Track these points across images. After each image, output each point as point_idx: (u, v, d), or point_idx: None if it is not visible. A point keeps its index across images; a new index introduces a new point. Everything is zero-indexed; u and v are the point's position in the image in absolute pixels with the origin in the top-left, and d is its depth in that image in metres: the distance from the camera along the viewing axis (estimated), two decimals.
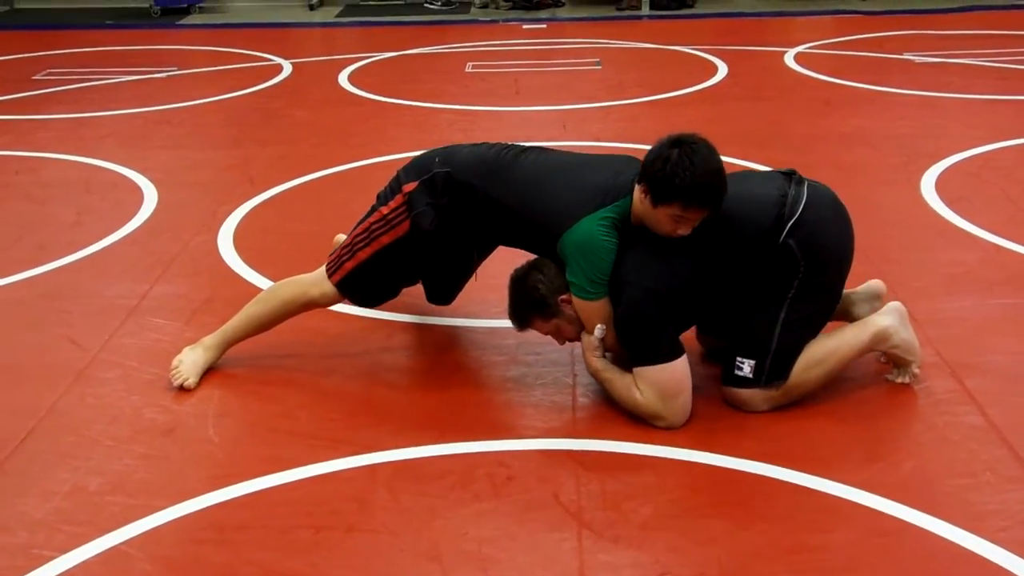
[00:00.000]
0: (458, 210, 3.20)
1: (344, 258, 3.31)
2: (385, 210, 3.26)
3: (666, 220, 2.92)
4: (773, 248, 2.96)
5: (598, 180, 3.05)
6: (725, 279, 3.02)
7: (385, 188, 3.33)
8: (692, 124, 5.81)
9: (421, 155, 3.37)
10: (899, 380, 3.18)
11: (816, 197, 3.03)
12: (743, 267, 3.01)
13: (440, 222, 3.21)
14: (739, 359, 3.03)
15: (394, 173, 3.36)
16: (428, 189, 3.21)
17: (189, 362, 3.31)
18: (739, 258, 2.99)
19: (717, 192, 2.88)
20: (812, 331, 3.07)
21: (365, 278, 3.32)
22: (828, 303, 3.10)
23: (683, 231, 2.93)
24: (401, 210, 3.24)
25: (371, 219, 3.29)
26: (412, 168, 3.30)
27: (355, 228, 3.34)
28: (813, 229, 2.97)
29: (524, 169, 3.16)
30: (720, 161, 2.91)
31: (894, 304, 3.18)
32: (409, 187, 3.23)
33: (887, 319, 3.12)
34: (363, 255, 3.28)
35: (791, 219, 2.95)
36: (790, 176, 3.09)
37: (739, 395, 3.06)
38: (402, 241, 3.25)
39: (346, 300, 3.40)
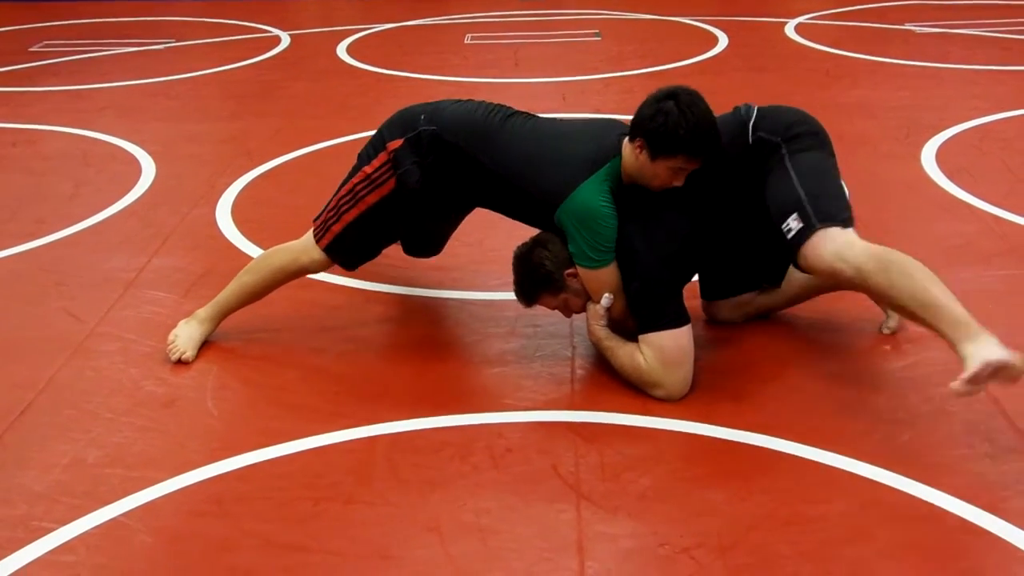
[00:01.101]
0: (444, 169, 3.16)
1: (331, 221, 3.26)
2: (369, 169, 3.20)
3: (665, 173, 2.94)
4: (747, 148, 3.02)
5: (584, 151, 3.04)
6: (721, 200, 3.07)
7: (367, 146, 3.26)
8: None
9: (405, 110, 3.30)
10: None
11: (766, 105, 3.16)
12: (730, 181, 3.05)
13: (425, 181, 3.17)
14: (783, 225, 2.88)
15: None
16: (414, 147, 3.15)
17: (185, 336, 3.31)
18: (722, 174, 3.04)
19: (716, 140, 2.92)
20: (829, 175, 2.98)
21: (352, 240, 3.27)
22: (828, 156, 3.06)
23: (678, 182, 2.96)
24: (386, 168, 3.18)
25: (355, 179, 3.24)
26: (396, 124, 3.23)
27: (339, 189, 3.29)
28: (774, 115, 3.09)
29: (512, 137, 3.11)
30: (711, 109, 2.95)
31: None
32: (394, 144, 3.17)
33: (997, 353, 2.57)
34: (349, 217, 3.23)
35: (750, 119, 3.05)
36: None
37: (812, 249, 2.80)
38: (388, 200, 3.20)
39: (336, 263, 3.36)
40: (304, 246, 3.33)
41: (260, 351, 3.35)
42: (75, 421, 2.99)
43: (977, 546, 2.41)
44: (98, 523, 2.54)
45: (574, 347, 3.30)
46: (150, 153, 5.29)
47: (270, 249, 3.45)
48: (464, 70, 6.91)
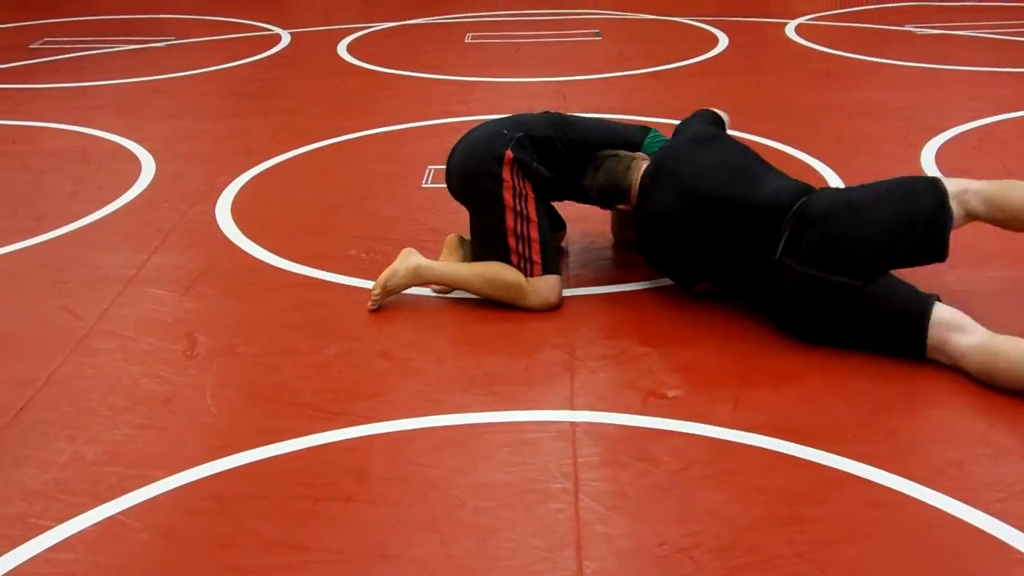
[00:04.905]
0: (547, 161, 3.59)
1: (525, 252, 3.48)
2: (508, 187, 3.49)
3: None
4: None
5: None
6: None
7: (478, 186, 3.53)
8: (693, 96, 5.79)
9: (482, 135, 3.62)
10: None
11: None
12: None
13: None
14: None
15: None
16: (523, 149, 3.54)
17: (405, 271, 3.50)
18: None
19: None
20: None
21: (550, 244, 3.56)
22: None
23: None
24: (519, 176, 3.51)
25: (507, 202, 3.47)
26: (491, 143, 3.54)
27: (499, 226, 3.48)
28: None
29: (577, 119, 3.74)
30: None
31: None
32: (508, 156, 3.50)
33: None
34: (534, 232, 3.50)
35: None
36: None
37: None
38: (537, 200, 3.54)
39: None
40: (532, 291, 3.48)
41: (261, 349, 3.35)
42: (74, 418, 2.99)
43: (975, 547, 2.41)
44: (96, 521, 2.54)
45: (574, 346, 3.30)
46: (150, 151, 5.28)
47: (509, 270, 3.50)
48: (465, 69, 6.90)
